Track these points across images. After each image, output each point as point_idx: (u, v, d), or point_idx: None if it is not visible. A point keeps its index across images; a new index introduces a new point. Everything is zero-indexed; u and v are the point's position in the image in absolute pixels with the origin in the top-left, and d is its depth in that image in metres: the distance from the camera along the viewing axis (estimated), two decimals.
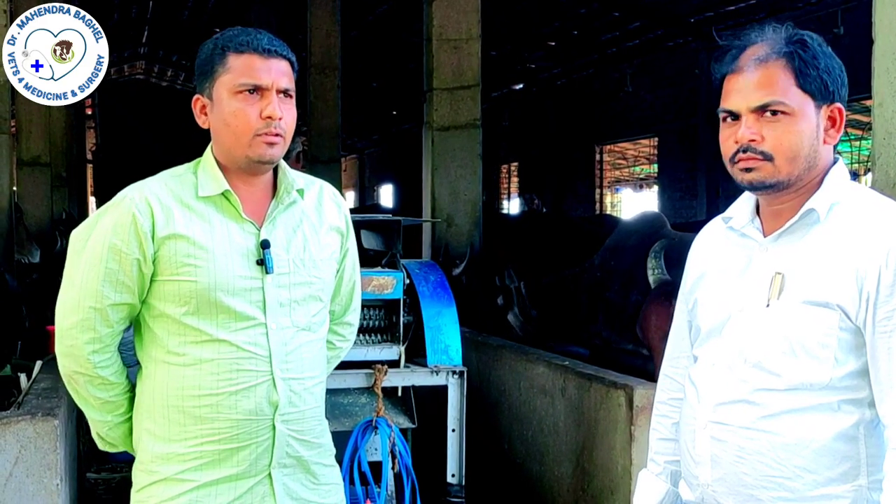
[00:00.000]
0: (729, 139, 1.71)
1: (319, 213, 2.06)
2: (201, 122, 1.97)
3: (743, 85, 1.69)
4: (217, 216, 1.92)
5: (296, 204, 2.01)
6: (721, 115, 1.74)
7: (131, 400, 2.01)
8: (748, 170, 1.69)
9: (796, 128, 1.66)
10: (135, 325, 1.99)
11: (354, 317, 2.28)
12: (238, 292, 1.90)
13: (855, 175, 11.83)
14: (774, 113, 1.66)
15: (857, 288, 1.61)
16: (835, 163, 1.74)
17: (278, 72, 1.90)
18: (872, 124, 3.11)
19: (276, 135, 1.89)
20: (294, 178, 2.02)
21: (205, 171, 1.95)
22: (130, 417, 2.02)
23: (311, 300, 2.01)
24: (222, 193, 1.93)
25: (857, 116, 11.47)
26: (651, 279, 3.77)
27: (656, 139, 16.35)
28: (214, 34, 2.00)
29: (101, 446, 2.10)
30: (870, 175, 3.33)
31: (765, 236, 1.76)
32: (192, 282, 1.87)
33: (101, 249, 1.88)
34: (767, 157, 1.67)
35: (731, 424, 1.71)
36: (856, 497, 1.64)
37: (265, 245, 1.93)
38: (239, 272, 1.90)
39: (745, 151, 1.68)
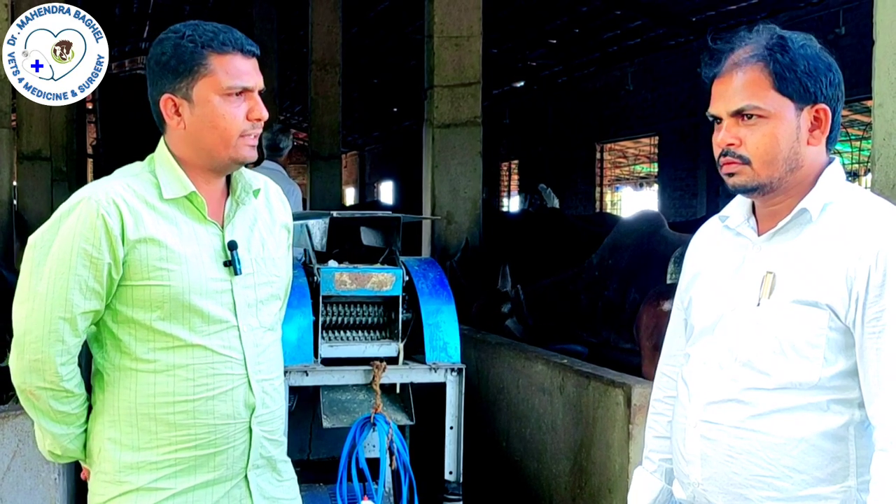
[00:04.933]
0: (714, 142, 1.74)
1: (270, 211, 2.05)
2: (174, 122, 1.87)
3: (723, 89, 1.71)
4: (182, 218, 1.88)
5: (249, 203, 1.99)
6: (710, 119, 1.76)
7: (90, 409, 1.93)
8: (731, 174, 1.72)
9: (773, 131, 1.67)
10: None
11: (283, 313, 2.26)
12: (211, 295, 1.86)
13: (856, 175, 11.81)
14: (750, 117, 1.68)
15: (846, 288, 1.61)
16: (830, 163, 1.74)
17: (257, 72, 1.89)
18: (873, 125, 3.10)
19: (257, 136, 1.89)
20: (250, 177, 1.99)
21: (165, 171, 1.89)
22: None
23: (272, 299, 2.00)
24: (187, 196, 1.88)
25: (859, 117, 11.44)
26: (669, 284, 3.78)
27: (657, 138, 16.31)
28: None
29: (50, 458, 1.99)
30: (870, 176, 3.33)
31: (759, 236, 1.77)
32: (164, 286, 1.82)
33: (69, 256, 1.78)
34: (745, 161, 1.69)
35: (721, 423, 1.72)
36: (845, 498, 1.65)
37: (232, 246, 1.89)
38: (210, 275, 1.87)
39: (725, 155, 1.71)
